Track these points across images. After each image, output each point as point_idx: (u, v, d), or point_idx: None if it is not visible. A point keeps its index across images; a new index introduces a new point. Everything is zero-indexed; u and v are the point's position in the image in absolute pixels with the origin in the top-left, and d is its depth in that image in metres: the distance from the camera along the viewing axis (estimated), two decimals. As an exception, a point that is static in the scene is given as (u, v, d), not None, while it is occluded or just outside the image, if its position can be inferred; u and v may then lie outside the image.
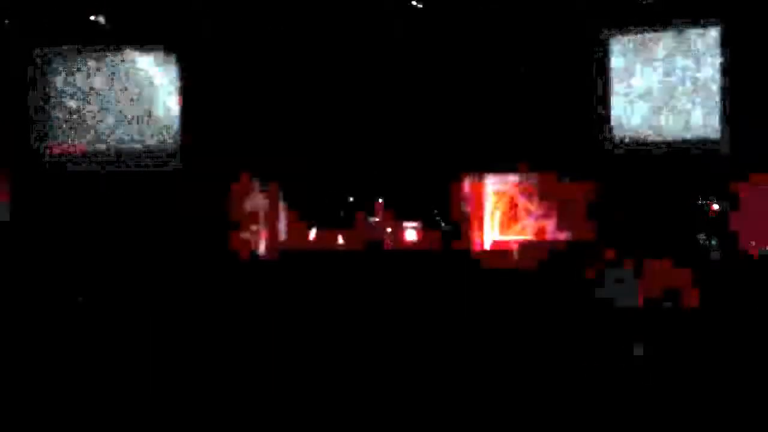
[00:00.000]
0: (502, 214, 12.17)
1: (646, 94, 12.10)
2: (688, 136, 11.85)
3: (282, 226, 12.30)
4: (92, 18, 12.08)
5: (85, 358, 7.01)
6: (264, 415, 6.21)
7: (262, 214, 12.25)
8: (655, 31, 11.95)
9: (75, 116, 12.47)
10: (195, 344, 7.28)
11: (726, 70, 11.53)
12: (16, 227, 11.43)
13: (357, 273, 9.87)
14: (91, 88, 12.49)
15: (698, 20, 11.69)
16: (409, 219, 12.11)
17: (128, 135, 12.56)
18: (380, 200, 12.18)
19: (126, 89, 12.54)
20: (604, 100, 12.21)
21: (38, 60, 12.32)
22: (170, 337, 7.45)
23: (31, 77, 12.30)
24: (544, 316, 7.77)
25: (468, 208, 12.21)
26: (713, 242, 10.73)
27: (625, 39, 12.13)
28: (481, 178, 12.23)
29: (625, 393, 6.37)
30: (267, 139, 12.04)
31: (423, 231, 12.06)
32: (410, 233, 12.06)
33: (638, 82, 12.13)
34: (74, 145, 12.47)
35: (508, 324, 7.70)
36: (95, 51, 12.40)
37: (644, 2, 11.65)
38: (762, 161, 10.87)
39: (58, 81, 12.42)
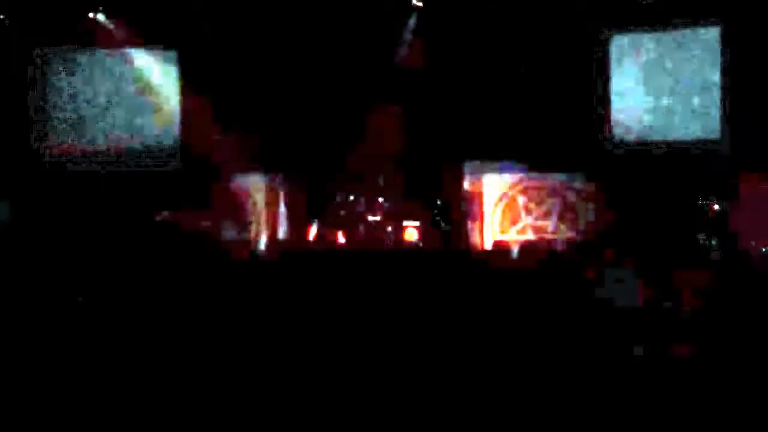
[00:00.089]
0: (502, 214, 12.17)
1: (645, 94, 12.11)
2: (688, 136, 11.86)
3: (282, 226, 12.30)
4: (92, 18, 12.08)
5: (85, 358, 7.01)
6: (264, 414, 6.21)
7: (262, 214, 12.25)
8: (655, 31, 11.96)
9: (75, 116, 12.47)
10: (195, 344, 7.27)
11: (726, 70, 11.54)
12: (16, 227, 11.42)
13: (357, 273, 9.86)
14: (91, 88, 12.50)
15: (698, 20, 11.70)
16: (409, 219, 12.11)
17: (128, 135, 12.58)
18: (380, 200, 12.17)
19: (126, 89, 12.55)
20: (604, 100, 12.22)
21: (38, 60, 12.33)
22: (170, 337, 7.44)
23: (31, 77, 12.31)
24: (545, 316, 7.77)
25: (468, 208, 12.21)
26: (713, 242, 10.72)
27: (625, 39, 12.15)
28: (481, 178, 12.24)
29: (625, 393, 6.37)
30: (267, 139, 12.04)
31: (423, 231, 12.06)
32: (410, 233, 12.06)
33: (638, 82, 12.14)
34: (74, 145, 12.47)
35: (509, 324, 7.70)
36: (95, 51, 12.41)
37: (644, 2, 11.66)
38: (762, 161, 10.87)
39: (58, 81, 12.42)
